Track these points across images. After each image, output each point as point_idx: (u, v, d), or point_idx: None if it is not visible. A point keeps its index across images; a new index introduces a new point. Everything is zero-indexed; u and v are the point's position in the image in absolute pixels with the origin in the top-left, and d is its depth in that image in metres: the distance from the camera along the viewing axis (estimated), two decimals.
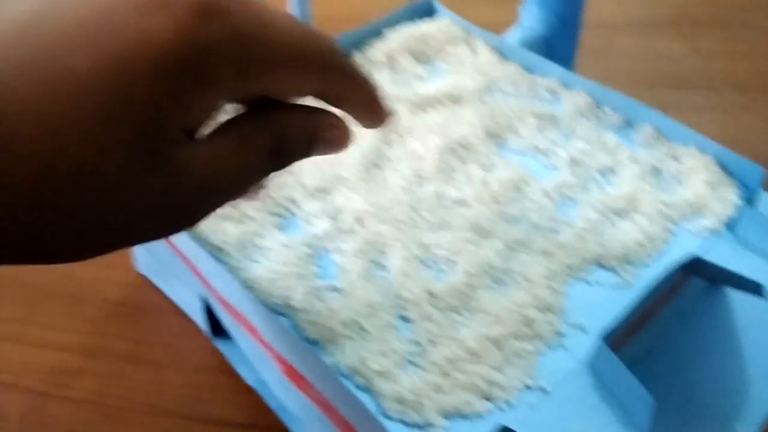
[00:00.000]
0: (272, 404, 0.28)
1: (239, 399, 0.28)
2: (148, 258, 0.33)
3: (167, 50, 0.15)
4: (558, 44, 0.40)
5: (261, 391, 0.28)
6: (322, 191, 0.28)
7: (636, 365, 0.21)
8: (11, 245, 0.15)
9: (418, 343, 0.23)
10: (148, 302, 0.33)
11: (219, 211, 0.24)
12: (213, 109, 0.17)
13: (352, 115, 0.21)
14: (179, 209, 0.18)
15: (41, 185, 0.15)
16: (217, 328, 0.30)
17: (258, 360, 0.26)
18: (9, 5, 0.16)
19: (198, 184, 0.17)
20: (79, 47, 0.15)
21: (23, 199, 0.15)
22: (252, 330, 0.24)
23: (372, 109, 0.21)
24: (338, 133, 0.20)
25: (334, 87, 0.20)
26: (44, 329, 0.32)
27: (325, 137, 0.20)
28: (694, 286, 0.29)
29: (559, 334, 0.23)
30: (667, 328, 0.28)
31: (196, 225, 0.19)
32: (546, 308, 0.24)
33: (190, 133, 0.17)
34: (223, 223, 0.26)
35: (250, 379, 0.28)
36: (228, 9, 0.16)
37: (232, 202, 0.20)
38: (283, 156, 0.19)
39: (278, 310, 0.23)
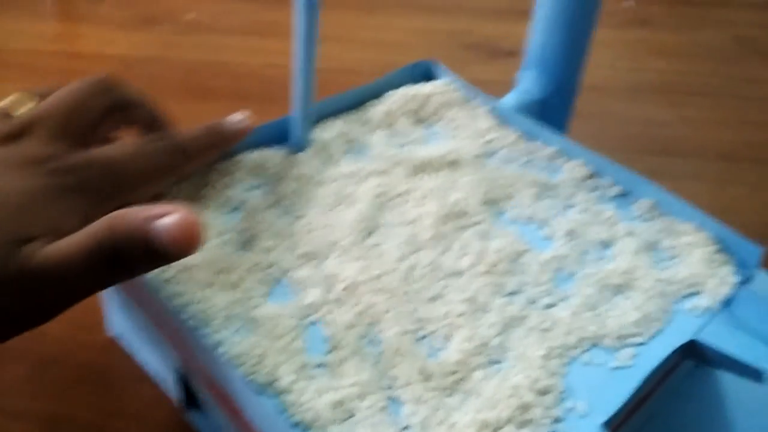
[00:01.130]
0: None
1: None
2: (122, 321, 0.32)
3: (42, 186, 0.21)
4: (554, 108, 0.40)
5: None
6: (313, 257, 0.27)
7: None
8: None
9: (408, 428, 0.22)
10: (119, 367, 0.31)
11: (205, 278, 0.24)
12: (73, 232, 0.20)
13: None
14: (31, 309, 0.20)
15: None
16: (191, 400, 0.28)
17: None
18: None
19: (47, 285, 0.19)
20: None
21: None
22: (233, 411, 0.23)
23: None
24: (175, 223, 0.19)
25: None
26: (4, 396, 0.31)
27: (160, 230, 0.19)
28: (686, 366, 0.29)
29: (557, 420, 0.22)
30: (660, 408, 0.27)
31: (49, 321, 0.20)
32: (543, 391, 0.23)
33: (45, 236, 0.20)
34: (208, 291, 0.25)
35: None
36: (77, 167, 0.23)
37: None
38: (121, 264, 0.20)
39: (264, 391, 0.22)
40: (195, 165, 0.27)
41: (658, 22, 0.63)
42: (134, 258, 0.20)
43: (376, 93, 0.36)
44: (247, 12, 0.62)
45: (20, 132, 0.23)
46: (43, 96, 0.25)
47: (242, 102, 0.49)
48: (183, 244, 0.19)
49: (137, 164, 0.24)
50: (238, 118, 0.29)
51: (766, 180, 0.44)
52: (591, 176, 0.32)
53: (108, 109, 0.25)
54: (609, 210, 0.30)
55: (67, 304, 0.20)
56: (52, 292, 0.20)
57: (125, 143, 0.25)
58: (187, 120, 0.46)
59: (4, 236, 0.19)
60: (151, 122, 0.27)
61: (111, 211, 0.21)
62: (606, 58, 0.55)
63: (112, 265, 0.20)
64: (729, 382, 0.29)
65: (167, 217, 0.19)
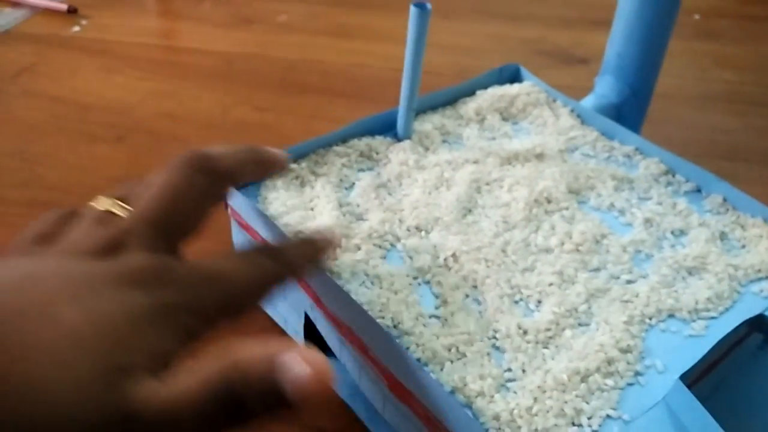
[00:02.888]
0: (363, 417, 0.30)
1: (332, 410, 0.31)
2: None
3: (148, 307, 0.19)
4: (628, 113, 0.43)
5: (353, 405, 0.31)
6: (420, 230, 0.31)
7: None
8: None
9: (510, 370, 0.26)
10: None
11: None
12: (177, 356, 0.19)
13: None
14: None
15: None
16: (316, 343, 0.33)
17: (359, 375, 0.29)
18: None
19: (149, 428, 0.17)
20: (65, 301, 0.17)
21: None
22: (361, 347, 0.27)
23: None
24: (308, 374, 0.17)
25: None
26: None
27: (292, 380, 0.17)
28: (753, 343, 0.32)
29: (638, 373, 0.26)
30: (727, 378, 0.30)
31: None
32: (625, 350, 0.26)
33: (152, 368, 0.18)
34: (337, 251, 0.29)
35: (343, 393, 0.31)
36: (176, 278, 0.20)
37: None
38: (238, 413, 0.18)
39: (389, 332, 0.26)
40: (294, 278, 0.25)
41: (724, 34, 0.65)
42: (256, 407, 0.18)
43: (468, 92, 0.40)
44: (334, 15, 0.67)
45: (116, 243, 0.20)
46: (128, 194, 0.23)
47: (334, 97, 0.54)
48: (315, 395, 0.17)
49: (244, 277, 0.22)
50: (329, 234, 0.27)
51: None
52: (666, 173, 0.35)
53: (209, 190, 0.23)
54: (683, 203, 0.34)
55: None
56: None
57: (229, 254, 0.22)
58: (286, 111, 0.52)
59: (108, 368, 0.17)
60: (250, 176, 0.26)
61: (213, 328, 0.20)
62: (675, 68, 0.58)
63: (228, 413, 0.18)
64: None
65: (296, 365, 0.17)
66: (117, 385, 0.17)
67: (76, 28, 0.64)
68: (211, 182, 0.23)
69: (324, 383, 0.17)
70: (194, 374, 0.18)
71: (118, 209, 0.22)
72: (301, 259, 0.25)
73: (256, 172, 0.26)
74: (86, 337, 0.17)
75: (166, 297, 0.19)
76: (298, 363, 0.18)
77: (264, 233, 0.31)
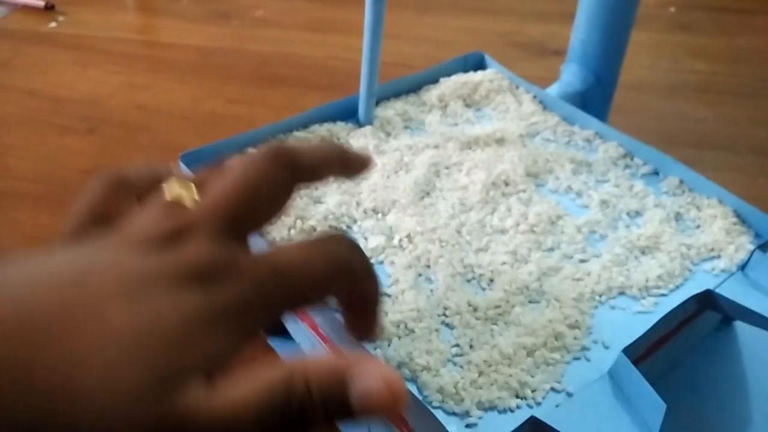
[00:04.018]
0: None
1: None
2: None
3: (207, 308, 0.17)
4: (593, 100, 0.43)
5: None
6: (377, 212, 0.32)
7: (650, 382, 0.23)
8: None
9: (458, 346, 0.26)
10: None
11: (287, 222, 0.28)
12: (238, 355, 0.18)
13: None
14: None
15: None
16: (276, 328, 0.33)
17: (311, 353, 0.29)
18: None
19: None
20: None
21: None
22: (312, 325, 0.28)
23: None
24: (377, 395, 0.17)
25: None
26: None
27: (360, 397, 0.17)
28: (708, 324, 0.32)
29: (584, 348, 0.26)
30: (679, 357, 0.31)
31: None
32: (574, 325, 0.27)
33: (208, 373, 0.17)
34: (292, 231, 0.30)
35: None
36: (242, 269, 0.18)
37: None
38: (299, 424, 0.17)
39: (335, 308, 0.26)
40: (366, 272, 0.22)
41: (698, 27, 0.65)
42: (323, 419, 0.17)
43: (432, 79, 0.41)
44: (310, 10, 0.67)
45: (181, 233, 0.19)
46: (202, 181, 0.21)
47: (307, 90, 0.54)
48: (390, 408, 0.17)
49: (315, 271, 0.20)
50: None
51: None
52: (624, 156, 0.36)
53: (288, 186, 0.21)
54: (639, 185, 0.34)
55: None
56: None
57: (299, 243, 0.20)
58: (258, 103, 0.52)
59: (160, 375, 0.16)
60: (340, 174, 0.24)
61: (271, 323, 0.19)
62: (647, 59, 0.58)
63: (293, 424, 0.17)
64: (748, 342, 0.33)
65: (369, 380, 0.17)
66: (167, 394, 0.16)
67: (53, 24, 0.64)
68: (292, 178, 0.21)
69: (396, 402, 0.17)
70: (252, 381, 0.17)
71: (188, 197, 0.20)
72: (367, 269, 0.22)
73: (339, 171, 0.24)
74: (136, 343, 0.16)
75: (229, 295, 0.18)
76: (372, 376, 0.17)
77: None
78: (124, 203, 0.22)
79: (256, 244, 0.28)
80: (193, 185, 0.21)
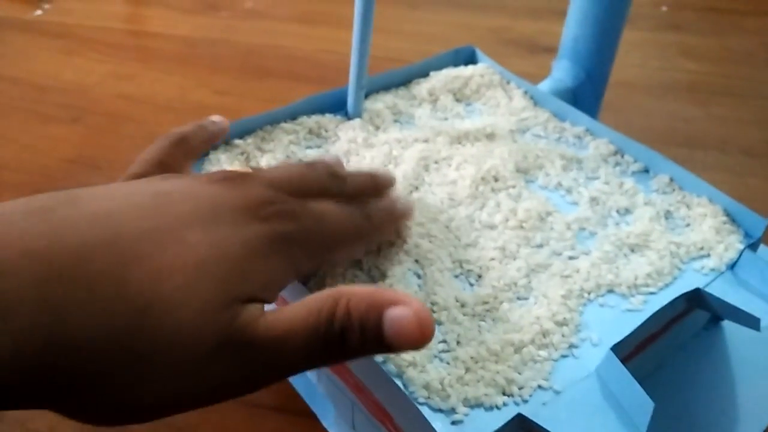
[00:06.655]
0: (300, 390, 0.30)
1: (271, 386, 0.31)
2: None
3: (264, 238, 0.20)
4: (584, 97, 0.43)
5: (292, 380, 0.31)
6: None
7: (638, 380, 0.23)
8: (68, 396, 0.17)
9: (445, 342, 0.25)
10: None
11: None
12: (284, 287, 0.21)
13: None
14: (241, 378, 0.19)
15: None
16: None
17: None
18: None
19: (265, 358, 0.18)
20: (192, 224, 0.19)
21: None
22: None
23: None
24: (412, 319, 0.18)
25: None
26: None
27: (397, 322, 0.18)
28: (696, 323, 0.32)
29: (572, 345, 0.26)
30: (667, 355, 0.31)
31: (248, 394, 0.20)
32: (562, 323, 0.26)
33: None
34: None
35: None
36: (295, 212, 0.22)
37: None
38: (343, 347, 0.19)
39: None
40: (377, 237, 0.27)
41: (690, 26, 0.65)
42: (359, 344, 0.18)
43: (422, 72, 0.40)
44: (300, 2, 0.67)
45: (243, 177, 0.22)
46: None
47: (296, 82, 0.54)
48: (415, 341, 0.18)
49: (344, 223, 0.24)
50: (402, 202, 0.28)
51: None
52: (615, 153, 0.35)
53: (328, 193, 0.24)
54: (629, 182, 0.34)
55: (274, 380, 0.19)
56: (267, 365, 0.19)
57: (329, 202, 0.24)
58: (246, 94, 0.51)
59: (227, 295, 0.18)
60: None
61: (316, 267, 0.22)
62: (638, 58, 0.58)
63: (334, 346, 0.18)
64: (736, 342, 0.33)
65: (402, 309, 0.18)
66: (234, 312, 0.18)
67: (38, 12, 0.63)
68: (333, 188, 0.25)
69: (424, 331, 0.18)
70: (302, 307, 0.19)
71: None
72: (387, 224, 0.27)
73: (371, 194, 0.27)
74: (211, 264, 0.18)
75: (281, 228, 0.21)
76: (405, 308, 0.18)
77: None
78: (184, 159, 0.26)
79: None
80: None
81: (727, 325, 0.34)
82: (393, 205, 0.27)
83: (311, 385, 0.28)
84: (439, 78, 0.39)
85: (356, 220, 0.24)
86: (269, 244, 0.20)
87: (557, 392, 0.24)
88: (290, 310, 0.19)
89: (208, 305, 0.18)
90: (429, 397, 0.23)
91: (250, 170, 0.23)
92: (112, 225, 0.18)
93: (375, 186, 0.27)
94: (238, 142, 0.33)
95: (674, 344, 0.31)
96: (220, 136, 0.31)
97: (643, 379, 0.24)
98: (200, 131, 0.29)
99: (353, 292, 0.19)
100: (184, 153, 0.26)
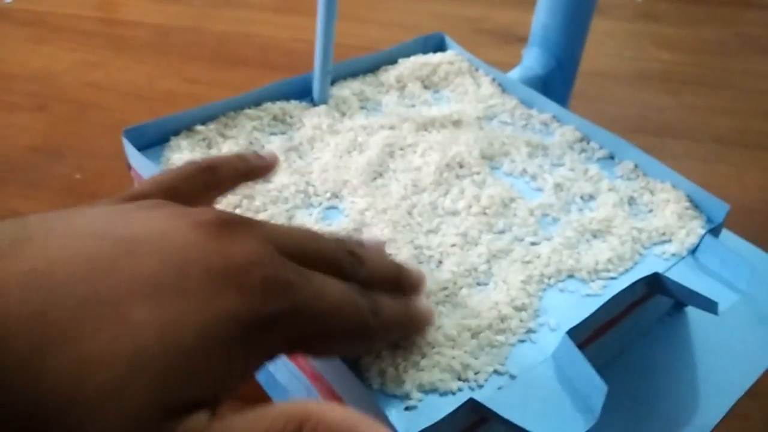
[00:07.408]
0: (262, 380, 0.30)
1: None
2: None
3: (235, 321, 0.16)
4: (554, 85, 0.43)
5: None
6: (327, 192, 0.31)
7: (596, 366, 0.23)
8: None
9: None
10: None
11: (233, 201, 0.27)
12: (249, 380, 0.18)
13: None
14: None
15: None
16: None
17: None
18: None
19: None
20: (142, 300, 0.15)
21: None
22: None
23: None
24: None
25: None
26: None
27: None
28: (659, 308, 0.32)
29: (531, 330, 0.26)
30: (629, 341, 0.31)
31: None
32: (520, 308, 0.26)
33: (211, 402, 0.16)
34: (237, 210, 0.29)
35: None
36: (290, 283, 0.18)
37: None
38: None
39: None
40: (380, 341, 0.23)
41: (664, 17, 0.66)
42: None
43: (390, 59, 0.40)
44: None
45: (231, 222, 0.18)
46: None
47: (269, 70, 0.53)
48: None
49: (347, 312, 0.20)
50: (424, 310, 0.24)
51: (752, 162, 0.46)
52: (581, 140, 0.35)
53: (337, 268, 0.21)
54: (594, 169, 0.34)
55: None
56: None
57: (336, 281, 0.20)
58: (217, 83, 0.51)
59: (162, 402, 0.15)
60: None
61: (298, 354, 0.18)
62: (612, 48, 0.58)
63: None
64: (699, 329, 0.33)
65: None
66: (168, 422, 0.15)
67: (8, 0, 0.62)
68: (347, 266, 0.21)
69: None
70: (259, 422, 0.16)
71: None
72: (396, 330, 0.23)
73: (391, 289, 0.24)
74: (149, 358, 0.15)
75: (262, 308, 0.17)
76: None
77: None
78: (205, 190, 0.23)
79: None
80: None
81: (691, 311, 0.34)
82: (411, 310, 0.23)
83: (269, 374, 0.28)
84: (408, 65, 0.39)
85: (362, 313, 0.20)
86: (238, 331, 0.16)
87: (513, 377, 0.24)
88: (244, 420, 0.16)
89: (139, 411, 0.14)
90: (383, 384, 0.23)
91: (252, 217, 0.20)
92: (47, 289, 0.15)
93: (398, 280, 0.23)
94: (200, 128, 0.33)
95: (636, 329, 0.31)
96: (262, 175, 0.26)
97: (605, 364, 0.24)
98: (236, 162, 0.24)
99: (323, 416, 0.16)
100: (205, 184, 0.23)
